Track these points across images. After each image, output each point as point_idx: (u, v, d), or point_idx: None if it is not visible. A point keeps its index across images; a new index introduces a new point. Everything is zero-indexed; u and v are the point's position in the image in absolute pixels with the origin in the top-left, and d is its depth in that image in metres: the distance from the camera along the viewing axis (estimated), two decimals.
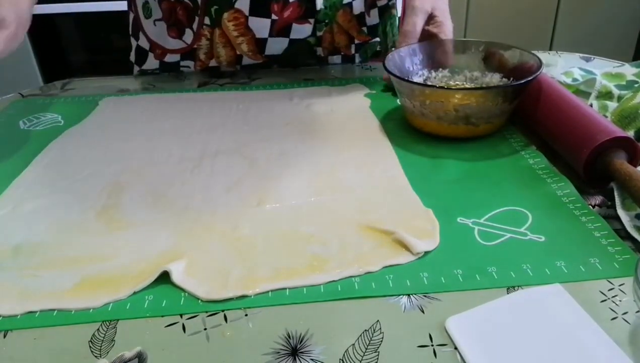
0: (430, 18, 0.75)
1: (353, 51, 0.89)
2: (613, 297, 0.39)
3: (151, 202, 0.52)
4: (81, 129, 0.69)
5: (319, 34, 0.83)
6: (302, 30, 0.81)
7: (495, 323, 0.37)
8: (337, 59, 0.89)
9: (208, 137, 0.65)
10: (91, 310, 0.40)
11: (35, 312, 0.40)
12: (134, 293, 0.41)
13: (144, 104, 0.75)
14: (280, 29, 0.80)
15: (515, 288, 0.40)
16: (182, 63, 0.86)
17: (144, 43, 0.87)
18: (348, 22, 0.84)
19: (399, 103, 0.72)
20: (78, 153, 0.62)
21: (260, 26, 0.79)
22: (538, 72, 0.58)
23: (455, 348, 0.35)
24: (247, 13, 0.78)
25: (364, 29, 0.87)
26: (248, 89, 0.79)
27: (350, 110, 0.70)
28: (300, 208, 0.50)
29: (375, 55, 0.92)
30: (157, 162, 0.59)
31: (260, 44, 0.82)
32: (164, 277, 0.42)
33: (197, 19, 0.80)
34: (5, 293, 0.41)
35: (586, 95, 0.68)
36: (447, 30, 0.75)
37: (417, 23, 0.74)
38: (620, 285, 0.40)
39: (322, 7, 0.79)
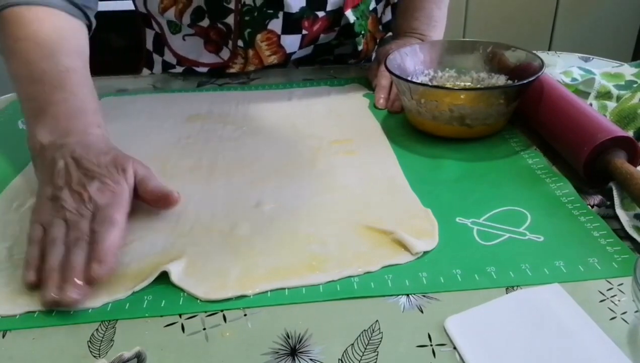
0: None
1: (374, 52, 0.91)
2: (612, 296, 0.39)
3: None
4: None
5: (360, 48, 0.83)
6: (327, 38, 0.83)
7: (494, 323, 0.37)
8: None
9: (207, 137, 0.65)
10: (90, 310, 0.40)
11: (34, 312, 0.40)
12: (133, 293, 0.41)
13: (144, 104, 0.75)
14: (308, 41, 0.81)
15: (514, 288, 0.40)
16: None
17: (170, 58, 0.86)
18: (374, 27, 0.86)
19: None
20: None
21: (292, 43, 0.80)
22: (536, 76, 0.58)
23: (455, 348, 0.35)
24: (279, 32, 0.78)
25: (380, 27, 0.89)
26: (247, 89, 0.79)
27: (350, 110, 0.70)
28: (299, 208, 0.50)
29: None
30: (156, 162, 0.59)
31: (289, 56, 0.83)
32: (163, 277, 0.42)
33: (230, 42, 0.80)
34: (4, 293, 0.41)
35: (585, 95, 0.68)
36: None
37: (383, 80, 0.74)
38: (619, 285, 0.40)
39: (355, 18, 0.80)
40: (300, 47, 0.81)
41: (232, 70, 0.83)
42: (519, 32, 2.19)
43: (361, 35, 0.82)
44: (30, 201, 0.52)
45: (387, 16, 0.91)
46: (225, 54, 0.82)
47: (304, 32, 0.79)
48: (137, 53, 0.92)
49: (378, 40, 0.90)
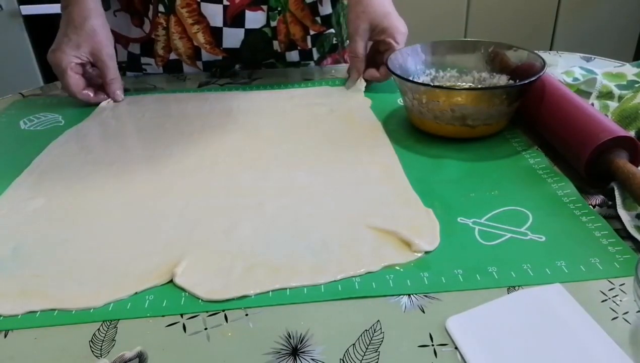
0: (374, 29, 0.75)
1: (309, 45, 0.88)
2: (613, 296, 0.39)
3: (151, 203, 0.52)
4: (82, 129, 0.69)
5: (272, 23, 0.83)
6: (255, 19, 0.82)
7: (495, 323, 0.37)
8: (294, 55, 0.89)
9: (208, 137, 0.65)
10: (92, 309, 0.40)
11: (36, 311, 0.40)
12: (135, 293, 0.41)
13: (145, 104, 0.75)
14: (233, 17, 0.81)
15: (516, 288, 0.40)
16: (142, 60, 0.87)
17: None
18: (301, 11, 0.85)
19: (400, 103, 0.72)
20: (78, 153, 0.62)
21: (214, 12, 0.80)
22: (537, 76, 0.58)
23: (456, 348, 0.35)
24: None
25: (318, 19, 0.87)
26: (248, 89, 0.79)
27: (351, 110, 0.70)
28: (301, 208, 0.50)
29: (332, 49, 0.92)
30: (157, 162, 0.59)
31: (216, 34, 0.82)
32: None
33: (151, 7, 0.81)
34: (6, 293, 0.41)
35: (587, 94, 0.68)
36: (396, 36, 0.74)
37: (358, 48, 0.75)
38: (620, 285, 0.40)
39: None
40: (226, 24, 0.81)
41: (158, 48, 0.84)
42: (521, 32, 2.19)
43: (277, 11, 0.82)
44: (34, 202, 0.53)
45: (327, 9, 0.87)
46: (147, 27, 0.83)
47: (226, 2, 0.79)
48: None
49: (312, 33, 0.87)
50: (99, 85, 0.77)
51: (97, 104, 0.75)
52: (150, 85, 0.83)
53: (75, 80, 0.73)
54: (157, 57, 0.86)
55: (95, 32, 0.73)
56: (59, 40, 0.73)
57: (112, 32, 0.86)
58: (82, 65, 0.75)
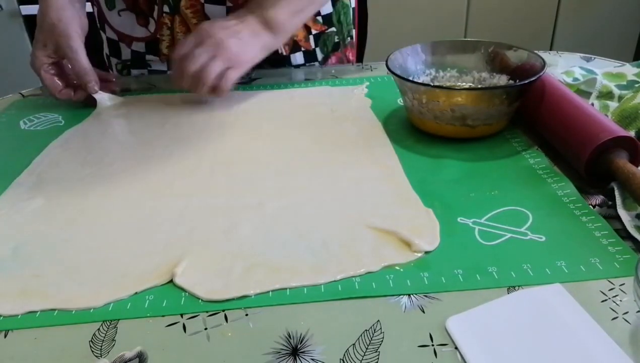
0: None
1: (312, 44, 0.89)
2: (613, 297, 0.39)
3: (151, 202, 0.52)
4: (81, 129, 0.69)
5: None
6: None
7: (495, 323, 0.37)
8: (299, 57, 0.89)
9: (208, 137, 0.65)
10: (92, 309, 0.40)
11: (36, 311, 0.40)
12: (135, 293, 0.41)
13: (144, 104, 0.75)
14: None
15: (516, 288, 0.40)
16: (147, 57, 0.87)
17: (111, 34, 0.88)
18: None
19: (400, 103, 0.72)
20: (78, 153, 0.62)
21: (217, 13, 0.80)
22: (537, 76, 0.58)
23: (456, 348, 0.35)
24: (202, 0, 0.79)
25: (319, 18, 0.87)
26: (248, 88, 0.79)
27: (351, 110, 0.70)
28: (301, 208, 0.50)
29: (335, 47, 0.92)
30: (157, 162, 0.59)
31: None
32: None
33: (156, 7, 0.81)
34: (6, 293, 0.41)
35: (587, 94, 0.68)
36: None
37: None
38: (620, 285, 0.40)
39: None
40: None
41: (163, 47, 0.84)
42: (521, 32, 2.19)
43: None
44: (33, 202, 0.53)
45: (327, 8, 0.87)
46: (152, 26, 0.83)
47: (229, 3, 0.79)
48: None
49: (314, 32, 0.87)
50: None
51: (92, 104, 0.75)
52: (150, 85, 0.83)
53: (50, 81, 0.72)
54: (162, 55, 0.86)
55: (54, 26, 0.70)
56: (33, 44, 0.73)
57: (116, 32, 0.86)
58: (58, 63, 0.74)
